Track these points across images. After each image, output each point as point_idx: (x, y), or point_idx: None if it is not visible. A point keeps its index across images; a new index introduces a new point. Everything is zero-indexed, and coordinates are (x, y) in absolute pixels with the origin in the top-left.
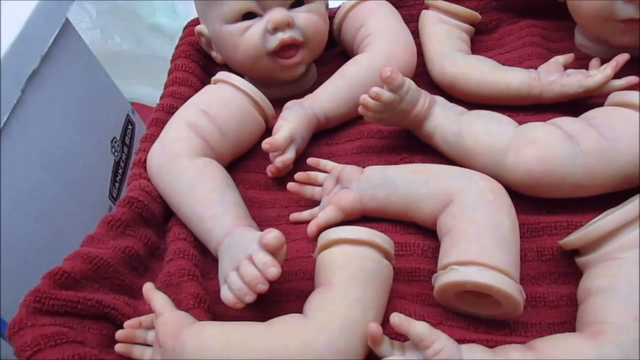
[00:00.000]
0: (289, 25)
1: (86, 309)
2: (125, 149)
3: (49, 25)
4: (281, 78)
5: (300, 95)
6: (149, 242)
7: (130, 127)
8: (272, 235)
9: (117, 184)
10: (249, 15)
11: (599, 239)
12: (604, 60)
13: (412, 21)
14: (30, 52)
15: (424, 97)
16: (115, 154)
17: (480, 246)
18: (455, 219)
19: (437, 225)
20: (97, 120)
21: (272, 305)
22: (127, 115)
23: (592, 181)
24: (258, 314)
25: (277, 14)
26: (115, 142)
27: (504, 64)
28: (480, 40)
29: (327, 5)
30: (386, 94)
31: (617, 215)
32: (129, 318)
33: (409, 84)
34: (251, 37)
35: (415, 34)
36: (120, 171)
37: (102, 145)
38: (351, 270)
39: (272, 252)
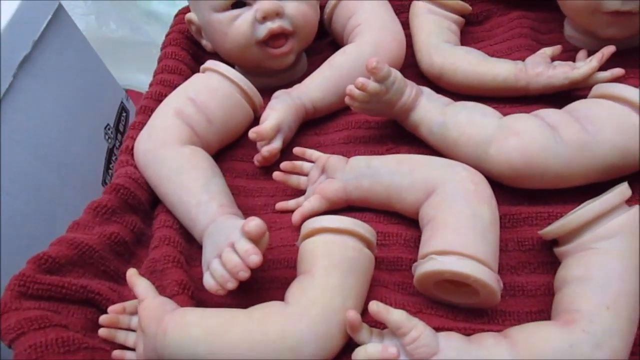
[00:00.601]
0: (278, 14)
1: (71, 294)
2: (119, 136)
3: (41, 10)
4: (270, 67)
5: (290, 84)
6: (135, 228)
7: (124, 114)
8: (254, 223)
9: (110, 171)
10: (238, 4)
11: (576, 230)
12: (591, 52)
13: (403, 12)
14: (23, 37)
15: (410, 88)
16: (109, 140)
17: (460, 236)
18: (437, 209)
19: (419, 215)
20: (90, 107)
21: (256, 293)
22: (121, 102)
23: (573, 172)
24: (241, 302)
25: (266, 3)
26: (109, 129)
27: (492, 56)
28: (471, 32)
29: None
30: (372, 85)
31: (593, 206)
32: (113, 303)
33: (395, 74)
34: (240, 26)
35: (406, 24)
36: (113, 158)
37: (96, 132)
38: (332, 259)
39: (254, 240)
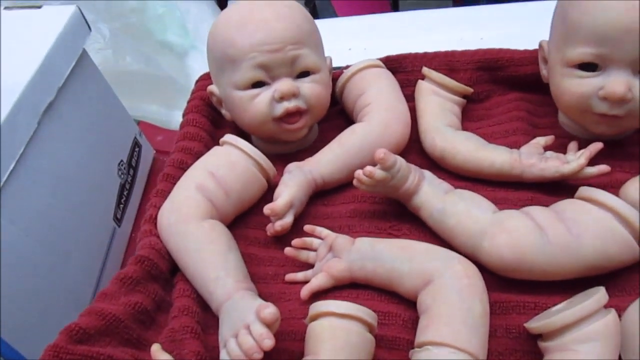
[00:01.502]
0: (294, 95)
1: None
2: (131, 171)
3: (66, 57)
4: (285, 139)
5: (301, 151)
6: (156, 297)
7: (137, 149)
8: (269, 311)
9: (121, 206)
10: (258, 84)
11: (556, 331)
12: (582, 140)
13: (408, 85)
14: (48, 84)
15: (414, 174)
16: (122, 176)
17: (453, 329)
18: (433, 299)
19: (418, 300)
20: (106, 145)
21: None
22: (135, 137)
23: (558, 269)
24: None
25: (284, 85)
26: (122, 164)
27: (490, 136)
28: (472, 109)
29: (330, 67)
30: (378, 173)
31: (575, 310)
32: None
33: (400, 163)
34: (259, 104)
35: (410, 97)
36: (125, 193)
37: (110, 169)
38: (337, 344)
39: (268, 325)
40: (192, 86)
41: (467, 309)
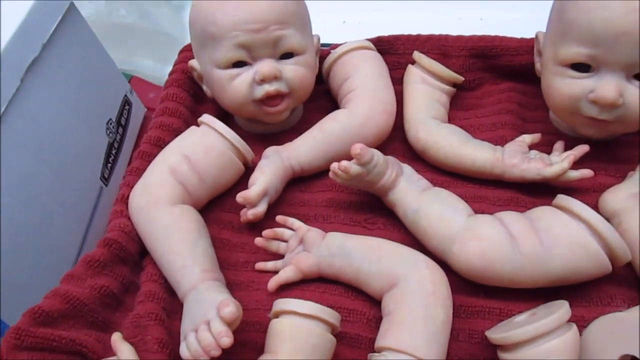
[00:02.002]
0: (276, 77)
1: (60, 346)
2: (121, 130)
3: (52, 11)
4: (266, 121)
5: (285, 132)
6: (124, 280)
7: (127, 107)
8: (228, 310)
9: (109, 165)
10: (239, 64)
11: (515, 344)
12: (570, 140)
13: (399, 68)
14: (32, 40)
15: (391, 170)
16: (110, 135)
17: (412, 337)
18: (396, 303)
19: (382, 302)
20: (94, 103)
21: (228, 356)
22: (125, 95)
23: (526, 279)
24: None
25: (265, 67)
26: (111, 123)
27: (478, 129)
28: (463, 97)
29: (318, 46)
30: (354, 168)
31: (534, 327)
32: (98, 355)
33: (377, 158)
34: (239, 85)
35: (400, 80)
36: (113, 152)
37: (98, 127)
38: (296, 344)
39: (228, 323)
40: (188, 41)
41: (429, 316)
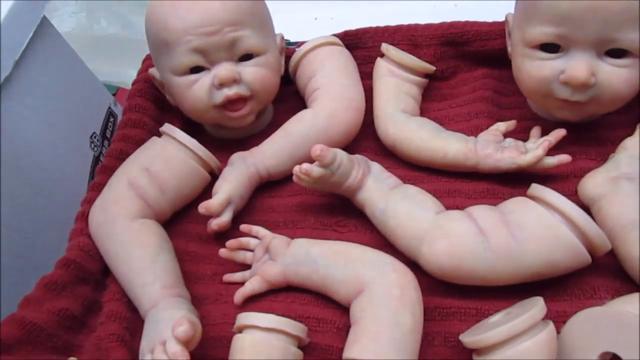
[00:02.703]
0: (235, 81)
1: None
2: (106, 143)
3: (23, 28)
4: (230, 126)
5: (255, 135)
6: (85, 301)
7: (111, 119)
8: (182, 329)
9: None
10: (196, 69)
11: (487, 348)
12: (548, 124)
13: (369, 62)
14: (3, 58)
15: (357, 170)
16: (95, 148)
17: (378, 346)
18: (362, 311)
19: (350, 310)
20: (76, 118)
21: None
22: (109, 107)
23: (499, 277)
24: None
25: (222, 71)
26: (95, 137)
27: (452, 119)
28: (436, 87)
29: (282, 45)
30: (316, 170)
31: (505, 328)
32: None
33: (341, 158)
34: (197, 91)
35: (371, 75)
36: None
37: (81, 142)
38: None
39: (183, 342)
40: None
41: (396, 323)
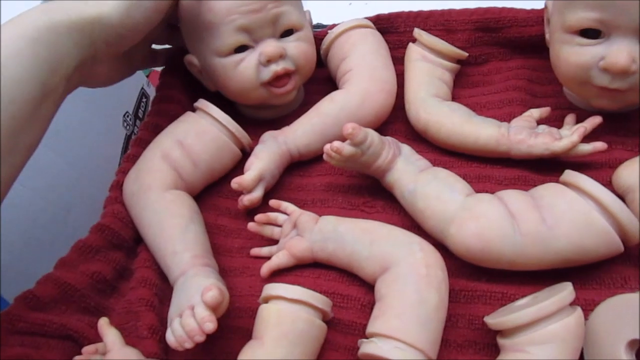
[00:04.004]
0: (281, 56)
1: (51, 331)
2: (138, 122)
3: None
4: (274, 104)
5: (288, 116)
6: (117, 265)
7: (144, 99)
8: (211, 294)
9: None
10: (241, 48)
11: (512, 330)
12: (584, 113)
13: (400, 47)
14: None
15: (387, 151)
16: (127, 127)
17: (402, 322)
18: (388, 288)
19: (375, 287)
20: (110, 97)
21: (219, 341)
22: (142, 88)
23: (527, 261)
24: (205, 347)
25: (269, 47)
26: (128, 116)
27: (484, 106)
28: (468, 73)
29: (310, 21)
30: (347, 148)
31: (531, 310)
32: (90, 340)
33: (372, 138)
34: (245, 69)
35: (402, 60)
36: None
37: (114, 120)
38: (282, 329)
39: (211, 308)
40: None
41: (421, 300)
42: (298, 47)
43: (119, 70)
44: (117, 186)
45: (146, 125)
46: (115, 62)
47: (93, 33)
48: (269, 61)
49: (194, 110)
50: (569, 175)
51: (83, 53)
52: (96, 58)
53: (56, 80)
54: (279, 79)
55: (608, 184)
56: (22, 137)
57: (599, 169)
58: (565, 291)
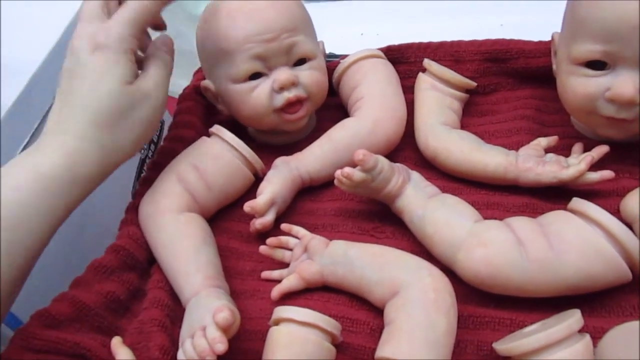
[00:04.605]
0: (293, 84)
1: (65, 349)
2: (152, 147)
3: None
4: (286, 130)
5: (300, 141)
6: (131, 286)
7: (159, 125)
8: (222, 315)
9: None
10: (255, 75)
11: (521, 355)
12: (592, 142)
13: (411, 77)
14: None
15: (397, 177)
16: (142, 152)
17: (412, 347)
18: (397, 312)
19: (384, 312)
20: None
21: None
22: None
23: (535, 288)
24: None
25: (282, 75)
26: None
27: (492, 135)
28: (476, 103)
29: (324, 52)
30: (357, 174)
31: (540, 336)
32: (102, 359)
33: (382, 164)
34: (258, 96)
35: (412, 89)
36: (144, 168)
37: None
38: (292, 351)
39: (222, 329)
40: None
41: (430, 325)
42: (310, 76)
43: None
44: (133, 208)
45: (163, 149)
46: None
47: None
48: (282, 88)
49: (209, 135)
50: (577, 203)
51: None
52: None
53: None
54: (291, 105)
55: (616, 213)
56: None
57: (607, 197)
58: (573, 318)
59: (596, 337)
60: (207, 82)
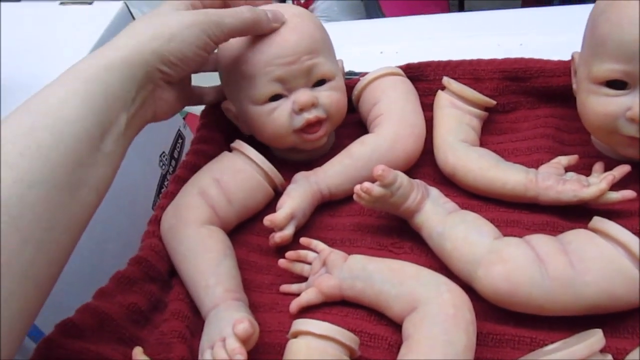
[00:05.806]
0: (313, 105)
1: (87, 359)
2: (173, 162)
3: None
4: (306, 148)
5: (318, 158)
6: (152, 297)
7: (180, 140)
8: (242, 327)
9: (161, 195)
10: (275, 97)
11: None
12: (612, 162)
13: (430, 94)
14: None
15: (416, 193)
16: (163, 167)
17: None
18: (415, 327)
19: (402, 326)
20: (148, 137)
21: None
22: (179, 129)
23: (556, 306)
24: None
25: (302, 97)
26: (164, 156)
27: (511, 153)
28: (496, 121)
29: (343, 71)
30: (377, 189)
31: (561, 355)
32: None
33: (401, 180)
34: (279, 117)
35: (432, 106)
36: (166, 183)
37: (151, 160)
38: None
39: (242, 340)
40: None
41: (449, 341)
42: (330, 97)
43: (179, 99)
44: (155, 221)
45: (185, 164)
46: (174, 91)
47: (147, 65)
48: (302, 110)
49: (230, 150)
50: (598, 221)
51: (139, 85)
52: (154, 90)
53: (114, 115)
54: (311, 126)
55: (637, 233)
56: (88, 172)
57: (628, 217)
58: (595, 337)
59: (618, 358)
60: (228, 103)
